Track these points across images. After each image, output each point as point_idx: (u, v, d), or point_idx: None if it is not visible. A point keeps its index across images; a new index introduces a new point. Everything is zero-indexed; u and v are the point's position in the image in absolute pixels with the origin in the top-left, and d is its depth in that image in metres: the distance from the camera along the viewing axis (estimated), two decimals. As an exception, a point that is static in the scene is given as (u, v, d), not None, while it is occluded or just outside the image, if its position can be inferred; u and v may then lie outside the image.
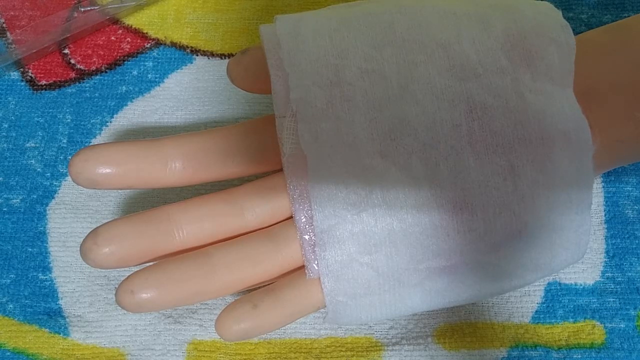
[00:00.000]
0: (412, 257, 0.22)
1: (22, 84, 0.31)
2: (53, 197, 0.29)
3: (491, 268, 0.23)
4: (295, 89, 0.22)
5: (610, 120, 0.24)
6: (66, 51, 0.32)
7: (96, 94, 0.31)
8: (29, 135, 0.30)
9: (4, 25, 0.32)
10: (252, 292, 0.23)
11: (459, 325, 0.27)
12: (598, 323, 0.27)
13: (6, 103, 0.31)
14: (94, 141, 0.30)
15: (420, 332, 0.27)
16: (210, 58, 0.32)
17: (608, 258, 0.28)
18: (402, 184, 0.22)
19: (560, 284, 0.27)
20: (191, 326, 0.27)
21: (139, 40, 0.33)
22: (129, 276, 0.22)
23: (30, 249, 0.28)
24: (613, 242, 0.28)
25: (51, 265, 0.28)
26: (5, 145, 0.30)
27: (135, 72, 0.32)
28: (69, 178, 0.29)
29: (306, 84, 0.22)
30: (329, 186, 0.22)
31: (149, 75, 0.32)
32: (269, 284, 0.24)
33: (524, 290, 0.27)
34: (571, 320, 0.27)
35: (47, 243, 0.28)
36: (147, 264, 0.23)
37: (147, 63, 0.32)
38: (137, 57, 0.32)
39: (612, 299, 0.27)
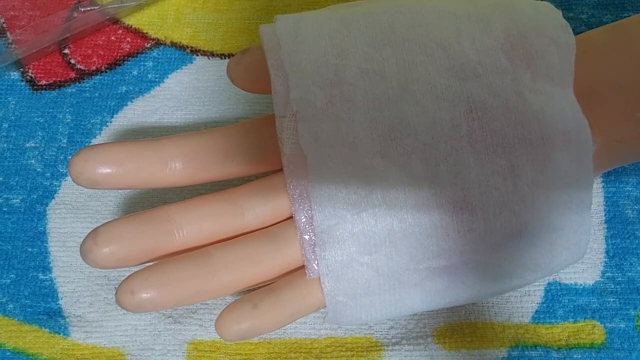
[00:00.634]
0: (412, 257, 0.22)
1: (22, 84, 0.31)
2: (53, 197, 0.29)
3: (491, 268, 0.23)
4: (295, 89, 0.22)
5: (611, 120, 0.24)
6: (66, 51, 0.32)
7: (96, 94, 0.31)
8: (29, 135, 0.30)
9: (4, 25, 0.32)
10: (252, 292, 0.23)
11: (459, 325, 0.27)
12: (598, 323, 0.27)
13: (6, 103, 0.31)
14: (94, 141, 0.30)
15: (420, 332, 0.27)
16: (210, 58, 0.32)
17: (608, 258, 0.28)
18: (402, 184, 0.22)
19: (560, 284, 0.27)
20: (191, 326, 0.27)
21: (139, 40, 0.33)
22: (129, 276, 0.22)
23: (30, 249, 0.28)
24: (613, 242, 0.28)
25: (51, 265, 0.28)
26: (5, 145, 0.30)
27: (135, 72, 0.32)
28: (69, 178, 0.29)
29: (306, 84, 0.22)
30: (329, 186, 0.22)
31: (149, 75, 0.32)
32: (269, 284, 0.24)
33: (524, 290, 0.27)
34: (571, 320, 0.27)
35: (47, 243, 0.28)
36: (147, 264, 0.23)
37: (147, 63, 0.32)
38: (137, 57, 0.32)
39: (612, 299, 0.27)
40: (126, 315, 0.27)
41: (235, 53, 0.26)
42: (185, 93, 0.31)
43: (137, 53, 0.32)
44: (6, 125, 0.30)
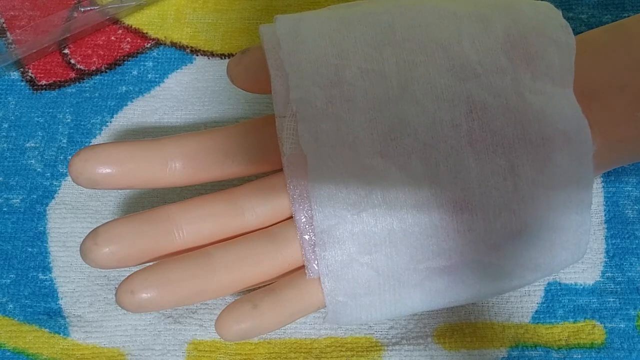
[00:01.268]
0: (412, 257, 0.22)
1: (22, 84, 0.31)
2: (53, 197, 0.29)
3: (491, 268, 0.23)
4: (295, 89, 0.22)
5: (611, 120, 0.24)
6: (66, 51, 0.32)
7: (96, 94, 0.31)
8: (29, 135, 0.30)
9: (4, 25, 0.32)
10: (252, 292, 0.23)
11: (459, 325, 0.27)
12: (598, 323, 0.27)
13: (6, 103, 0.31)
14: (94, 141, 0.30)
15: (420, 332, 0.27)
16: (210, 58, 0.32)
17: (608, 258, 0.28)
18: (402, 184, 0.22)
19: (560, 284, 0.27)
20: (191, 326, 0.27)
21: (139, 40, 0.33)
22: (129, 276, 0.22)
23: (30, 249, 0.28)
24: (613, 242, 0.28)
25: (51, 265, 0.28)
26: (5, 145, 0.30)
27: (135, 72, 0.32)
28: (69, 178, 0.29)
29: (306, 84, 0.22)
30: (329, 186, 0.22)
31: (149, 75, 0.32)
32: (269, 284, 0.24)
33: (524, 290, 0.27)
34: (571, 320, 0.27)
35: (47, 243, 0.28)
36: (147, 264, 0.23)
37: (147, 63, 0.32)
38: (137, 57, 0.32)
39: (612, 299, 0.27)
40: (126, 315, 0.27)
41: (235, 53, 0.26)
42: (185, 93, 0.31)
43: (137, 53, 0.32)
44: (6, 125, 0.30)
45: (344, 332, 0.27)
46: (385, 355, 0.26)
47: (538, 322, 0.27)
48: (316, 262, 0.22)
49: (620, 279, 0.27)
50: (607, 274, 0.28)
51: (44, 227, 0.29)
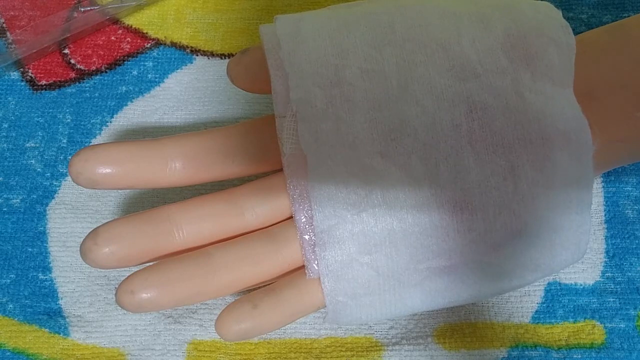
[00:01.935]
0: (412, 257, 0.22)
1: (22, 84, 0.31)
2: (53, 197, 0.29)
3: (491, 268, 0.23)
4: (295, 89, 0.22)
5: (611, 120, 0.24)
6: (66, 51, 0.32)
7: (96, 94, 0.31)
8: (29, 135, 0.30)
9: (4, 25, 0.32)
10: (252, 292, 0.23)
11: (459, 325, 0.27)
12: (598, 323, 0.27)
13: (6, 103, 0.31)
14: (94, 141, 0.30)
15: (420, 332, 0.27)
16: (210, 58, 0.32)
17: (608, 258, 0.28)
18: (402, 184, 0.22)
19: (560, 284, 0.27)
20: (191, 326, 0.27)
21: (139, 40, 0.33)
22: (129, 276, 0.22)
23: (30, 249, 0.28)
24: (613, 242, 0.28)
25: (51, 265, 0.28)
26: (5, 145, 0.30)
27: (135, 72, 0.32)
28: (69, 178, 0.29)
29: (306, 84, 0.22)
30: (329, 186, 0.22)
31: (149, 75, 0.32)
32: (269, 284, 0.24)
33: (524, 290, 0.27)
34: (571, 320, 0.27)
35: (47, 243, 0.28)
36: (147, 264, 0.23)
37: (147, 63, 0.32)
38: (137, 57, 0.32)
39: (612, 299, 0.27)
40: (126, 315, 0.27)
41: (235, 53, 0.26)
42: (185, 93, 0.31)
43: (137, 53, 0.32)
44: (6, 125, 0.30)
45: (344, 332, 0.27)
46: (385, 355, 0.26)
47: (538, 322, 0.27)
48: (316, 262, 0.22)
49: (620, 279, 0.27)
50: (607, 274, 0.28)
51: (44, 227, 0.29)
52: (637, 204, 0.29)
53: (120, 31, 0.33)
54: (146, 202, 0.29)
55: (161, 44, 0.33)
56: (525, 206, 0.22)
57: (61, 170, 0.30)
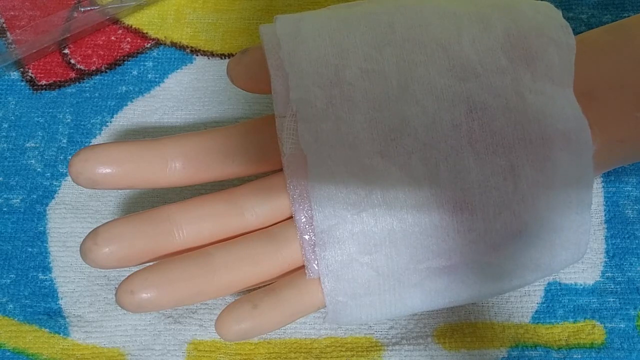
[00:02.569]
0: (412, 257, 0.22)
1: (22, 84, 0.31)
2: (53, 197, 0.29)
3: (491, 268, 0.23)
4: (295, 89, 0.22)
5: (611, 120, 0.24)
6: (66, 51, 0.32)
7: (96, 94, 0.31)
8: (29, 135, 0.30)
9: (4, 25, 0.32)
10: (252, 292, 0.23)
11: (459, 325, 0.27)
12: (598, 323, 0.27)
13: (6, 103, 0.31)
14: (94, 141, 0.30)
15: (420, 332, 0.27)
16: (210, 58, 0.32)
17: (608, 258, 0.28)
18: (402, 184, 0.22)
19: (560, 284, 0.27)
20: (191, 326, 0.27)
21: (139, 40, 0.33)
22: (129, 276, 0.22)
23: (30, 249, 0.28)
24: (613, 242, 0.28)
25: (51, 265, 0.28)
26: (5, 145, 0.30)
27: (135, 72, 0.32)
28: (69, 178, 0.29)
29: (306, 84, 0.22)
30: (329, 186, 0.22)
31: (149, 75, 0.32)
32: (269, 284, 0.24)
33: (524, 290, 0.27)
34: (571, 320, 0.27)
35: (47, 243, 0.28)
36: (147, 264, 0.23)
37: (147, 63, 0.32)
38: (137, 57, 0.32)
39: (612, 299, 0.27)
40: (126, 315, 0.27)
41: (235, 53, 0.26)
42: (185, 93, 0.31)
43: (137, 53, 0.32)
44: (6, 125, 0.30)
45: (344, 332, 0.27)
46: (385, 355, 0.26)
47: (538, 322, 0.27)
48: (316, 262, 0.22)
49: (620, 279, 0.27)
50: (607, 274, 0.28)
51: (44, 227, 0.29)
52: (637, 204, 0.29)
53: (120, 31, 0.33)
54: (146, 202, 0.29)
55: (161, 44, 0.33)
56: (525, 206, 0.22)
57: (61, 170, 0.30)
